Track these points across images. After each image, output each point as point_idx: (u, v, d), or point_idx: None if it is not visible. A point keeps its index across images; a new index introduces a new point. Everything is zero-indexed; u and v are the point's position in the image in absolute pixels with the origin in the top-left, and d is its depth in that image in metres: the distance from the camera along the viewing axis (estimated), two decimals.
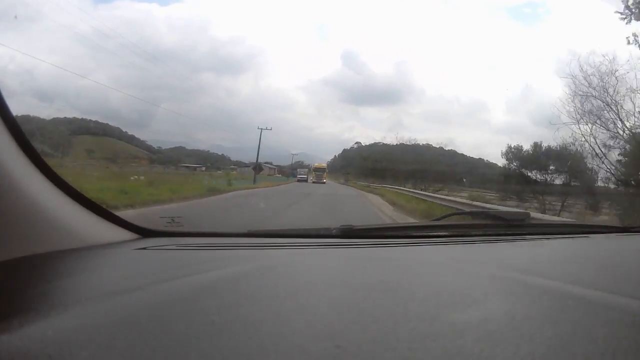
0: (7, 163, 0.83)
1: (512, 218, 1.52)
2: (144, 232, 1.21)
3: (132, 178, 14.73)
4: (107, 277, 0.82)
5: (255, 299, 0.56)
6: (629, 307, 0.55)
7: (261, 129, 32.54)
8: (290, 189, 21.80)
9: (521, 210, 1.75)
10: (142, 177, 15.66)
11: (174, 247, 1.13)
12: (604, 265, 0.95)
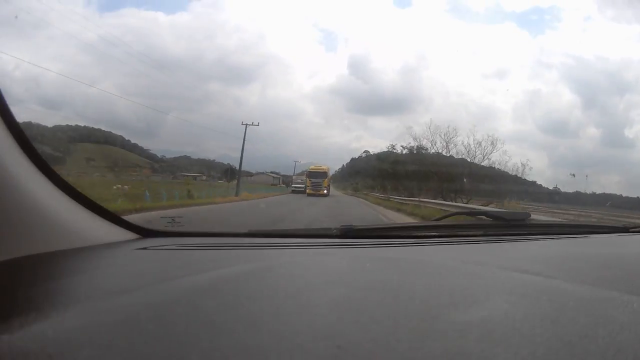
0: (8, 163, 0.83)
1: (512, 218, 1.52)
2: (144, 232, 1.21)
3: (114, 187, 14.14)
4: (108, 277, 0.82)
5: (255, 299, 0.56)
6: (629, 307, 0.55)
7: (246, 124, 26.51)
8: (267, 207, 15.27)
9: (521, 211, 1.75)
10: (126, 187, 14.94)
11: (174, 247, 1.13)
12: (604, 266, 0.95)
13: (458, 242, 1.34)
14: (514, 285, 0.68)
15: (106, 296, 0.62)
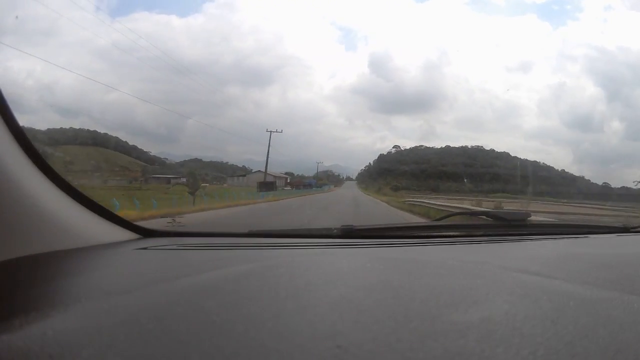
0: (8, 163, 0.83)
1: (513, 218, 1.52)
2: (145, 232, 1.21)
3: None
4: (108, 277, 0.82)
5: (255, 298, 0.56)
6: (630, 307, 0.55)
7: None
8: None
9: (522, 211, 1.75)
10: None
11: (174, 247, 1.13)
12: (604, 265, 0.95)
13: (458, 242, 1.34)
14: (515, 286, 0.68)
15: (106, 296, 0.62)
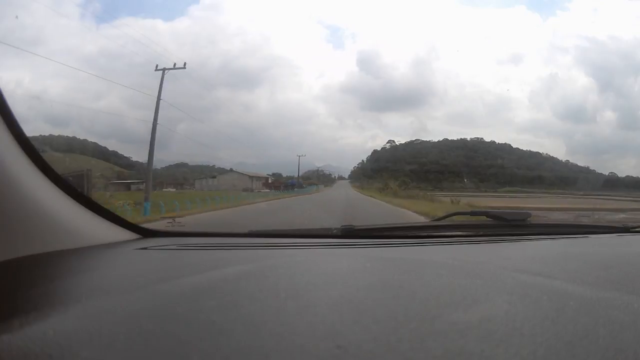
0: (8, 163, 0.84)
1: (513, 218, 1.52)
2: (145, 232, 1.22)
3: None
4: (108, 277, 0.82)
5: (256, 299, 0.56)
6: (630, 307, 0.55)
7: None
8: None
9: (522, 211, 1.75)
10: None
11: (175, 247, 1.13)
12: (604, 265, 0.94)
13: (458, 242, 1.34)
14: (515, 286, 0.68)
15: (106, 296, 0.62)
